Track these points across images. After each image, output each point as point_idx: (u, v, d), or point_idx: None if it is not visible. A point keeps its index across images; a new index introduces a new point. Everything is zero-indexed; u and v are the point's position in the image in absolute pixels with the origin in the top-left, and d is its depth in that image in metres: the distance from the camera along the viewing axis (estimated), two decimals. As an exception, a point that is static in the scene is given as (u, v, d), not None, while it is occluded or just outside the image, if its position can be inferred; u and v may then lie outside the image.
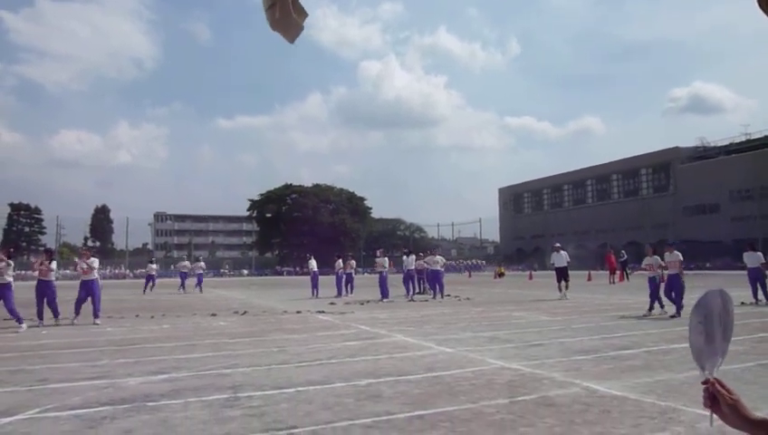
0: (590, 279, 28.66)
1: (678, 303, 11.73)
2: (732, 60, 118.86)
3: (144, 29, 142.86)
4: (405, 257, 20.85)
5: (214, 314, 13.86)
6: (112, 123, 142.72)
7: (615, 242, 48.68)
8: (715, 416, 1.24)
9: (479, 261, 67.56)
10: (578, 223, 67.21)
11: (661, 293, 12.21)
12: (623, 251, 30.00)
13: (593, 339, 8.73)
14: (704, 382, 1.27)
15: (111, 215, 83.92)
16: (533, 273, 41.68)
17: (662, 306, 12.14)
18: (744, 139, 55.32)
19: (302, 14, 2.10)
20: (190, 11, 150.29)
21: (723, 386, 1.24)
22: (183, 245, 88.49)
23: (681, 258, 12.18)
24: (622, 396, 5.04)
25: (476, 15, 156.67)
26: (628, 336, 8.95)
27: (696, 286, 17.35)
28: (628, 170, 66.35)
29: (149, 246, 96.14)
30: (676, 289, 11.90)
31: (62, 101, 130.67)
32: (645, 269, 12.89)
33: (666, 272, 12.14)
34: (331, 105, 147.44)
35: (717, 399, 1.23)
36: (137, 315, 13.75)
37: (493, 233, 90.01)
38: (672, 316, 11.50)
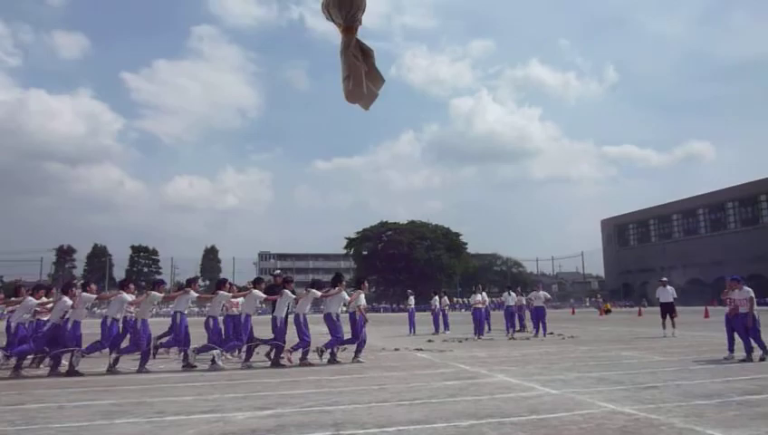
0: (707, 316, 26.52)
1: (760, 344, 10.55)
2: None
3: (248, 80, 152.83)
4: (506, 294, 20.38)
5: (314, 351, 14.15)
6: (220, 169, 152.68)
7: (734, 275, 44.85)
8: None
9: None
10: (690, 255, 62.81)
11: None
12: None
13: (715, 382, 8.03)
14: None
15: (219, 255, 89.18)
16: (643, 309, 39.20)
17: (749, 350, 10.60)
18: None
19: (379, 80, 2.19)
20: (290, 60, 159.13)
21: None
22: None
23: (752, 295, 11.00)
24: (753, 447, 4.58)
25: (568, 46, 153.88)
26: (756, 379, 8.15)
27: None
28: (745, 197, 61.52)
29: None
30: (754, 329, 10.65)
31: (175, 151, 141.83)
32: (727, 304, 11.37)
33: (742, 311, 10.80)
34: (423, 143, 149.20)
35: None
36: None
37: (595, 267, 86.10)
38: (762, 359, 10.34)
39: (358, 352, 11.72)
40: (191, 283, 12.32)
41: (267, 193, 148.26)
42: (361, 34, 2.13)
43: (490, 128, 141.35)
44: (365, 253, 75.48)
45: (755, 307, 10.94)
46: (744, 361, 10.27)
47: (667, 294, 17.30)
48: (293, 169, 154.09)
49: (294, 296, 11.56)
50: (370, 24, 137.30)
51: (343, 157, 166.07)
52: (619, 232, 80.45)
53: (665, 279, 18.26)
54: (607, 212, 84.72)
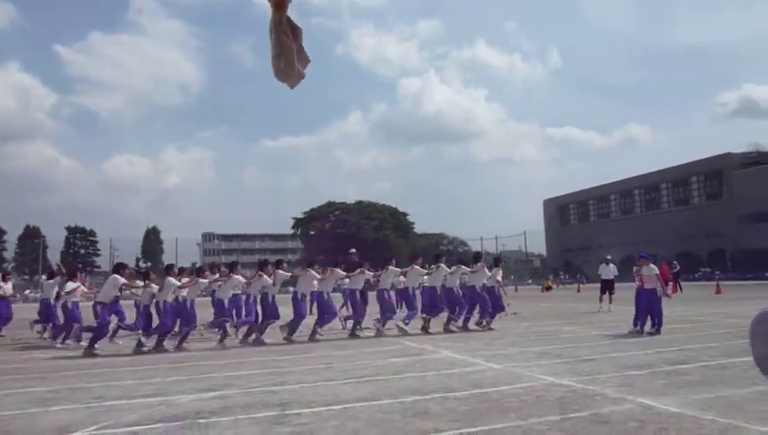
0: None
1: (658, 320, 10.97)
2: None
3: (190, 56, 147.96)
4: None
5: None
6: (162, 147, 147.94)
7: (666, 253, 47.11)
8: None
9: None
10: (626, 234, 65.46)
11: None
12: (675, 262, 29.07)
13: (647, 353, 8.44)
14: None
15: (162, 236, 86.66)
16: (581, 286, 40.72)
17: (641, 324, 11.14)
18: (802, 141, 53.03)
19: (306, 60, 2.17)
20: (235, 36, 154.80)
21: None
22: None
23: (657, 272, 11.43)
24: (679, 413, 4.85)
25: (515, 28, 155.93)
26: (684, 350, 8.62)
27: (758, 297, 16.64)
28: (678, 179, 64.52)
29: (198, 266, 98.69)
30: (654, 305, 11.07)
31: (113, 128, 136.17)
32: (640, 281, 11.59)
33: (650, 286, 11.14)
34: (371, 123, 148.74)
35: None
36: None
37: (538, 246, 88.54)
38: (651, 334, 10.71)
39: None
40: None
41: (211, 172, 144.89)
42: (307, 11, 2.10)
43: (437, 108, 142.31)
44: (312, 233, 75.11)
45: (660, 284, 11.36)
46: (651, 334, 10.70)
47: (609, 271, 18.05)
48: (239, 147, 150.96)
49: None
50: (318, 0, 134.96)
51: (291, 136, 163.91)
52: (561, 212, 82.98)
53: (609, 257, 18.94)
54: (549, 192, 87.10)
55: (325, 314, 12.04)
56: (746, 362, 7.19)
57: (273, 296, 11.98)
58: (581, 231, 76.08)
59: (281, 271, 12.33)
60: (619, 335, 10.93)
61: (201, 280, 11.56)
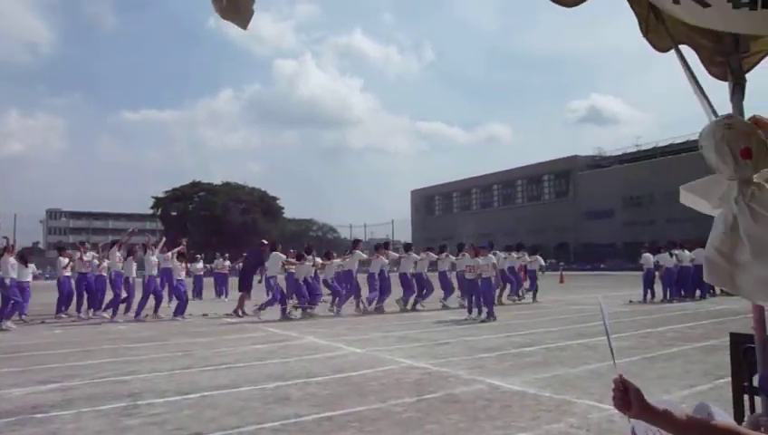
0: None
1: (490, 308, 11.71)
2: (624, 76, 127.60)
3: (40, 12, 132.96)
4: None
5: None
6: (2, 110, 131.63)
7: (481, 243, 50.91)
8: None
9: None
10: (485, 226, 69.63)
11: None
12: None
13: (497, 337, 9.08)
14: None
15: (-3, 211, 77.37)
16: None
17: (479, 311, 11.95)
18: (635, 149, 59.70)
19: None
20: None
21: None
22: (61, 246, 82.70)
23: (494, 261, 12.38)
24: (522, 391, 5.27)
25: (392, 20, 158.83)
26: (529, 334, 9.39)
27: (596, 286, 18.50)
28: (532, 176, 69.74)
29: (41, 246, 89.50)
30: (488, 294, 11.86)
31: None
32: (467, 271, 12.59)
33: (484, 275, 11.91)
34: (243, 102, 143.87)
35: (626, 394, 1.32)
36: (21, 318, 12.54)
37: (404, 234, 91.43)
38: (483, 321, 11.40)
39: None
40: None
41: (61, 142, 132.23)
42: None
43: (313, 93, 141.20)
44: (174, 214, 71.20)
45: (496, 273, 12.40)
46: (483, 321, 11.44)
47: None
48: (95, 117, 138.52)
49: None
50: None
51: (154, 109, 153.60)
52: (427, 202, 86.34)
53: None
54: (417, 183, 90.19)
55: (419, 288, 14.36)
56: (582, 344, 8.01)
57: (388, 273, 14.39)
58: (445, 221, 79.70)
59: (358, 251, 14.65)
60: (472, 320, 11.63)
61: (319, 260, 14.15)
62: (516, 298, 15.82)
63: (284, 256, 13.48)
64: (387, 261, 14.32)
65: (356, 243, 15.48)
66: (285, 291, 13.04)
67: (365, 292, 14.16)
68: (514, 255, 16.17)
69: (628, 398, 1.32)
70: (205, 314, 13.72)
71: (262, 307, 12.62)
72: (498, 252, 15.40)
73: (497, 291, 14.15)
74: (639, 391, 1.32)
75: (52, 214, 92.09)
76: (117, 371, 6.63)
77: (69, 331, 10.97)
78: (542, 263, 17.45)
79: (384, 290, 14.07)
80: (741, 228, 1.53)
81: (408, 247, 15.20)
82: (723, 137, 1.56)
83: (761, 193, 1.54)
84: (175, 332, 10.55)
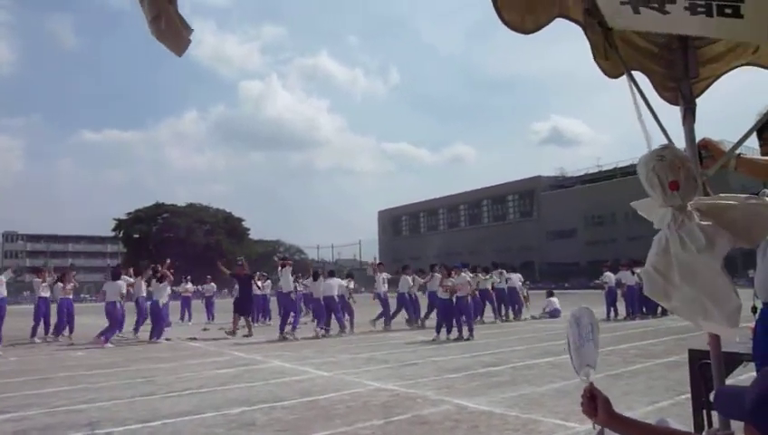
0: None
1: (470, 325, 11.85)
2: (584, 98, 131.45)
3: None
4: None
5: (71, 344, 12.69)
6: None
7: (486, 264, 51.34)
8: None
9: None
10: (452, 245, 70.15)
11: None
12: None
13: (464, 357, 9.10)
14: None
15: (-51, 234, 74.45)
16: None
17: (449, 331, 11.96)
18: (596, 170, 61.20)
19: (189, 28, 2.03)
20: (53, 13, 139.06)
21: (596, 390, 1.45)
22: (37, 268, 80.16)
23: (469, 280, 12.51)
24: (489, 411, 5.28)
25: (357, 43, 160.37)
26: (497, 353, 9.44)
27: (561, 304, 18.71)
28: (497, 196, 70.70)
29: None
30: (467, 312, 11.99)
31: None
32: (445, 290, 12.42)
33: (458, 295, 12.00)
34: (208, 123, 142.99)
35: (593, 401, 1.43)
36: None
37: (372, 255, 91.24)
38: (467, 339, 11.48)
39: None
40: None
41: (18, 164, 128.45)
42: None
43: (279, 114, 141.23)
44: (136, 236, 69.68)
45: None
46: (457, 339, 11.53)
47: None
48: (54, 138, 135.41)
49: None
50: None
51: (116, 130, 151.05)
52: (394, 223, 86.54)
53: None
54: (384, 204, 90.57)
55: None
56: (548, 363, 8.09)
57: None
58: (412, 242, 79.96)
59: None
60: (440, 340, 11.63)
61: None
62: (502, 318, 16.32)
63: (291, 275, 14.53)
64: (412, 283, 15.37)
65: (405, 268, 16.44)
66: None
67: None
68: (504, 274, 16.95)
69: (595, 405, 1.41)
70: (168, 339, 13.38)
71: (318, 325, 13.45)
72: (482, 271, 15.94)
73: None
74: (607, 400, 1.41)
75: (9, 237, 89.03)
76: (74, 399, 6.40)
77: (24, 358, 10.56)
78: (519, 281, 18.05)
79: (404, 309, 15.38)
80: (671, 252, 1.66)
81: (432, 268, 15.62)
82: (653, 168, 1.66)
83: (689, 222, 1.65)
84: (136, 357, 10.26)
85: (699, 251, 1.60)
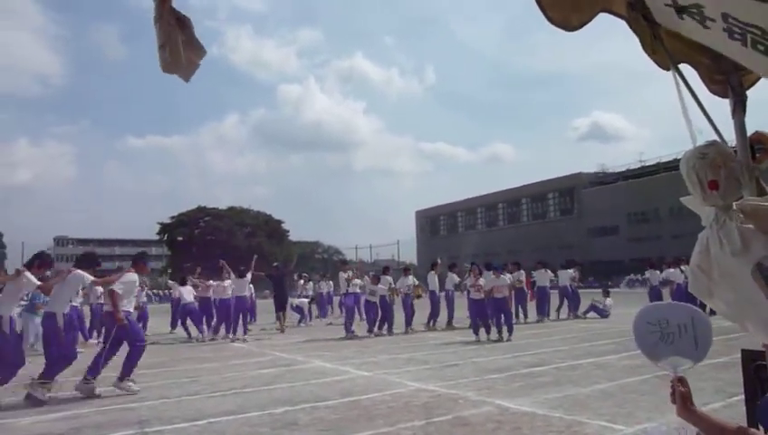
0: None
1: (510, 326, 11.64)
2: (626, 93, 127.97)
3: (49, 44, 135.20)
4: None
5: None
6: (10, 140, 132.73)
7: (525, 263, 50.73)
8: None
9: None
10: (490, 245, 69.50)
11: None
12: (533, 272, 31.28)
13: (506, 358, 9.00)
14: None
15: (5, 239, 77.70)
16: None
17: (487, 331, 11.78)
18: (638, 165, 59.67)
19: (200, 50, 2.09)
20: (99, 24, 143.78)
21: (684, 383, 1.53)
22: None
23: (509, 281, 12.37)
24: (532, 412, 5.21)
25: (393, 43, 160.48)
26: (539, 354, 9.31)
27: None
28: (537, 194, 69.69)
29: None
30: (507, 313, 11.80)
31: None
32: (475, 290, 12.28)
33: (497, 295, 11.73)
34: (249, 127, 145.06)
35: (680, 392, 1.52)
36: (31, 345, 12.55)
37: (409, 255, 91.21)
38: (507, 340, 11.31)
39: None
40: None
41: (69, 170, 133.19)
42: (181, 7, 1.98)
43: (318, 117, 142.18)
44: (180, 239, 71.41)
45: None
46: (497, 341, 11.34)
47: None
48: (102, 144, 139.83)
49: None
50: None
51: (160, 135, 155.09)
52: (431, 223, 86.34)
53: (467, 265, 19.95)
54: (421, 204, 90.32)
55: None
56: (592, 363, 7.93)
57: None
58: (450, 241, 79.54)
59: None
60: (480, 341, 11.54)
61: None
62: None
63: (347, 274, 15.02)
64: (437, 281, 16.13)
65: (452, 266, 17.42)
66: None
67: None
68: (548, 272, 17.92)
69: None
70: (212, 339, 13.67)
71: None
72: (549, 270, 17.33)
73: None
74: (686, 394, 1.51)
75: (60, 241, 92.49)
76: (125, 398, 6.60)
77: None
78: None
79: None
80: (711, 252, 1.63)
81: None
82: (694, 166, 1.63)
83: (729, 223, 1.60)
84: (181, 357, 10.51)
85: (733, 254, 1.57)
